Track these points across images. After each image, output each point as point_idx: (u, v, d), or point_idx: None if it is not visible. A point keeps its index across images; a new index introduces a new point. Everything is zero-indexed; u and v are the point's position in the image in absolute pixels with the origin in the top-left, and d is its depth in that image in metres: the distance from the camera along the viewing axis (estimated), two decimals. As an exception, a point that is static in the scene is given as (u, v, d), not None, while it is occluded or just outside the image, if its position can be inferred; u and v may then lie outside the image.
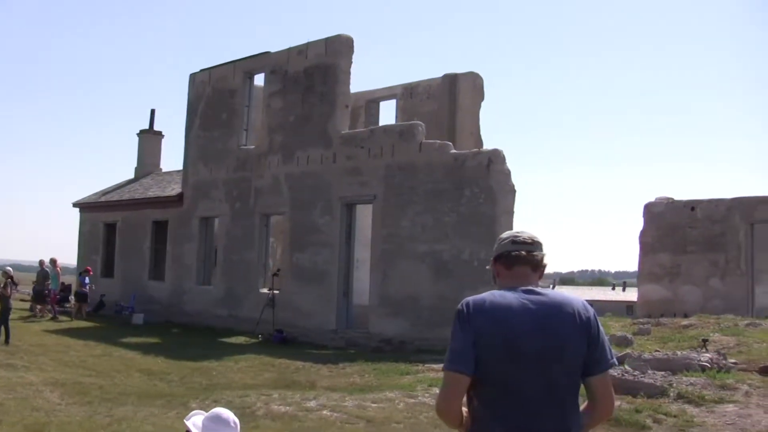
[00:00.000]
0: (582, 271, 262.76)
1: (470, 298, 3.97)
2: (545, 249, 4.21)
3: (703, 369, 15.55)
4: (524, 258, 4.11)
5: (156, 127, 40.86)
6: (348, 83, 25.46)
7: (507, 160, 21.37)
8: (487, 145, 26.14)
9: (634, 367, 15.26)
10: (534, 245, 4.15)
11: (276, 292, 25.85)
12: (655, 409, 12.73)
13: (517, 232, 4.24)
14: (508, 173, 21.25)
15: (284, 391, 14.66)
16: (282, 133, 26.66)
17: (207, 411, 5.27)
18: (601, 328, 3.97)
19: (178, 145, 31.97)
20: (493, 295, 3.97)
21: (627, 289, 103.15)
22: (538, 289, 4.00)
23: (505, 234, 4.26)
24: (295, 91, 26.41)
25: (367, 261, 24.10)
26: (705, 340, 19.17)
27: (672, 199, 36.25)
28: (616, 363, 4.09)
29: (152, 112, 41.04)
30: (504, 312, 3.87)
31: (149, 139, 40.33)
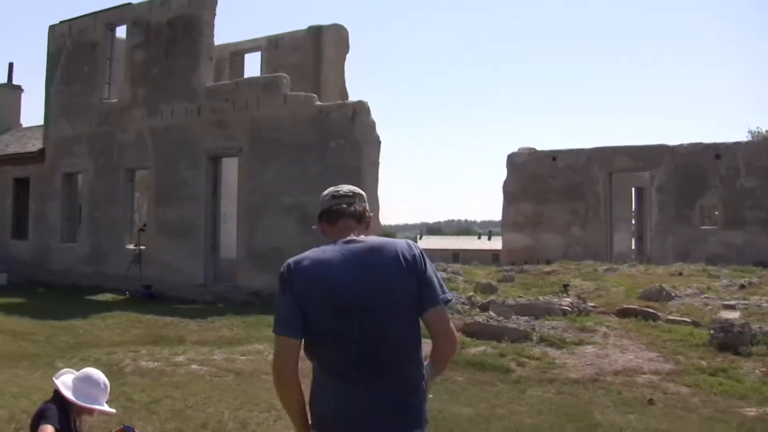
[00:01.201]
0: (449, 221, 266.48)
1: (291, 259, 3.92)
2: (366, 200, 4.18)
3: (564, 313, 16.09)
4: (345, 211, 4.05)
5: (15, 82, 39.66)
6: (212, 35, 25.17)
7: (372, 112, 21.50)
8: (353, 97, 26.21)
9: (499, 313, 15.68)
10: (354, 197, 4.11)
11: (142, 247, 25.58)
12: (519, 353, 13.16)
13: (337, 187, 4.18)
14: (373, 125, 21.38)
15: (152, 347, 14.58)
16: (145, 86, 26.23)
17: (75, 370, 5.25)
18: (429, 265, 3.89)
19: (39, 100, 31.13)
20: (313, 251, 3.92)
21: (493, 238, 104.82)
22: (359, 238, 3.94)
23: (326, 191, 4.18)
24: (158, 44, 25.98)
25: (234, 215, 24.04)
26: (566, 286, 19.81)
27: (534, 149, 37.08)
28: (450, 298, 3.95)
29: (10, 65, 39.74)
30: (324, 266, 3.81)
31: (8, 94, 39.04)
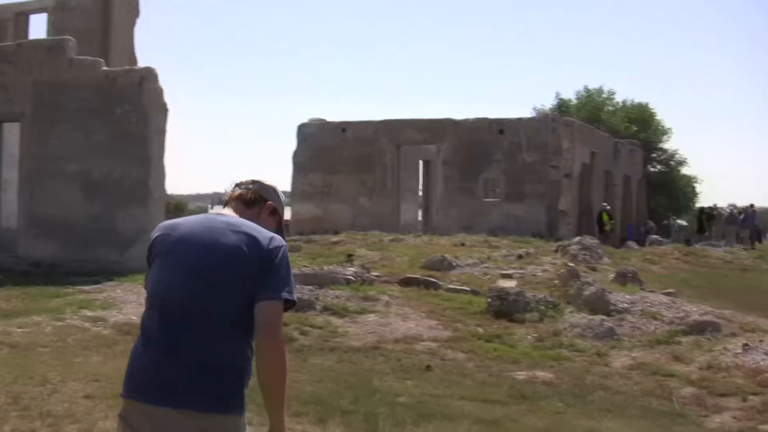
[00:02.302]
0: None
1: None
2: (269, 191, 4.08)
3: (348, 282, 16.33)
4: (236, 195, 4.01)
5: None
6: (-8, -6, 24.23)
7: (160, 79, 21.20)
8: (143, 63, 25.75)
9: (283, 283, 15.75)
10: (252, 183, 4.07)
11: None
12: (302, 322, 13.27)
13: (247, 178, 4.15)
14: (160, 92, 21.08)
15: None
16: None
17: None
18: (283, 260, 3.73)
19: None
20: (183, 218, 3.92)
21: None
22: (229, 214, 3.89)
23: None
24: (-68, 1, 24.78)
25: (16, 182, 23.23)
26: (350, 255, 20.13)
27: (324, 120, 37.32)
28: (291, 299, 3.72)
29: None
30: (178, 230, 3.79)
31: None
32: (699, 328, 13.74)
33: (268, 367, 3.61)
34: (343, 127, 36.13)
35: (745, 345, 12.19)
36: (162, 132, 20.99)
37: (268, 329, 3.61)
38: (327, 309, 14.25)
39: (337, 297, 15.07)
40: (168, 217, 4.58)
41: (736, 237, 39.63)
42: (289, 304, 3.72)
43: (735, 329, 14.18)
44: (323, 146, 35.99)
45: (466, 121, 33.97)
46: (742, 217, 39.69)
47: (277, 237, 3.81)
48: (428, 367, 10.95)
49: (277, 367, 3.62)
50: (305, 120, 37.47)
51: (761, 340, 12.56)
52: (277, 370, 3.62)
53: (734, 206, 42.64)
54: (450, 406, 9.02)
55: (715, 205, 43.20)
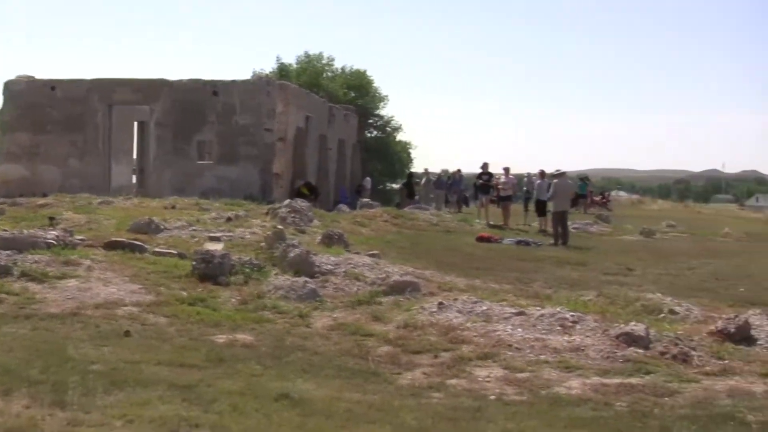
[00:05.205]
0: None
1: None
2: None
3: (49, 246, 15.79)
4: None
5: None
6: None
7: None
8: None
9: (-27, 249, 15.07)
10: None
11: None
12: (-2, 289, 12.80)
13: None
14: None
15: None
16: None
17: None
18: None
19: None
20: None
21: None
22: None
23: None
24: None
25: None
26: (52, 218, 19.53)
27: (33, 77, 35.91)
28: None
29: None
30: None
31: None
32: (399, 289, 14.21)
33: None
34: (53, 85, 34.83)
35: (440, 303, 12.70)
36: None
37: None
38: (25, 275, 13.73)
39: (36, 262, 14.55)
40: None
41: (444, 200, 41.32)
42: None
43: (433, 289, 14.83)
44: (31, 104, 34.62)
45: (179, 81, 33.61)
46: (450, 182, 41.35)
47: None
48: (127, 333, 10.80)
49: None
50: (12, 77, 35.88)
51: (456, 299, 13.12)
52: None
53: (446, 171, 44.36)
54: (145, 372, 8.94)
55: (426, 170, 44.71)
